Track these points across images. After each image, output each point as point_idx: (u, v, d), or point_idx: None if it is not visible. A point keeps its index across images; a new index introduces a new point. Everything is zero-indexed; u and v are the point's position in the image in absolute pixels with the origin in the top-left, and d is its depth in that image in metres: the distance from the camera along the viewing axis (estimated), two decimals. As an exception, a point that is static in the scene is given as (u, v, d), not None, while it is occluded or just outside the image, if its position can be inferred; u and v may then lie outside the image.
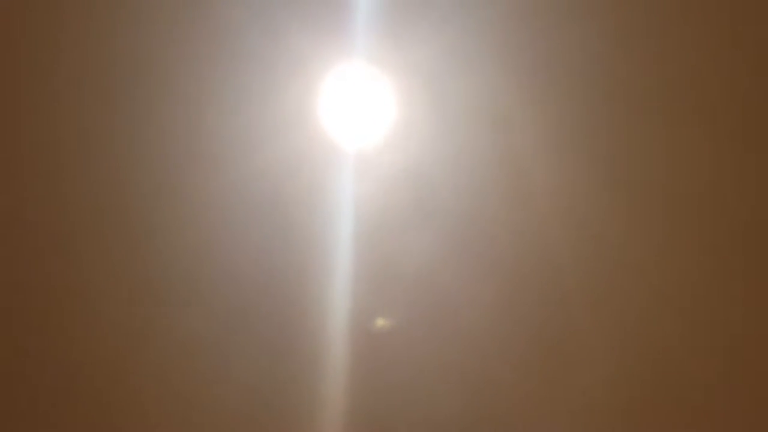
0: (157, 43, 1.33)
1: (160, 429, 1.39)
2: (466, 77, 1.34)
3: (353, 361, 1.37)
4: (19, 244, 1.38)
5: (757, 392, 1.34)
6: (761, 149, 1.34)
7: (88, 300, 1.38)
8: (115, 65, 1.34)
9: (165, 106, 1.35)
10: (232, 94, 1.33)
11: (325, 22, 1.32)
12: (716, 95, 1.33)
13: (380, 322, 1.36)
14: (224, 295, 1.36)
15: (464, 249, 1.36)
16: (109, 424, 1.38)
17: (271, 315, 1.36)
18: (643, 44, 1.34)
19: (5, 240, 1.38)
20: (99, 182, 1.36)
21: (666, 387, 1.35)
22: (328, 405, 1.36)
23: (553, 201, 1.36)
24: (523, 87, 1.34)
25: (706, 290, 1.35)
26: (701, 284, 1.35)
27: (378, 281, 1.36)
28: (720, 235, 1.34)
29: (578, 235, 1.36)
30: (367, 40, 1.32)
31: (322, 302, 1.36)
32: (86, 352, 1.38)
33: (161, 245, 1.36)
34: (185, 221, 1.35)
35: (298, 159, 1.34)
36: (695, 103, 1.34)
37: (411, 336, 1.36)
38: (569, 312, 1.35)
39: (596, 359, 1.35)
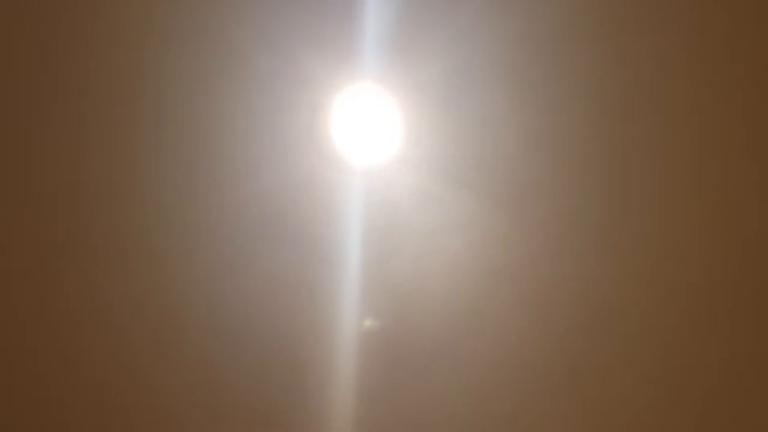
0: (167, 65, 1.34)
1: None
2: (475, 97, 1.34)
3: (361, 375, 1.38)
4: (23, 264, 1.40)
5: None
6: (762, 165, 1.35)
7: (97, 313, 1.40)
8: (124, 87, 1.35)
9: (175, 126, 1.35)
10: (242, 114, 1.34)
11: (334, 43, 1.32)
12: (719, 117, 1.34)
13: (368, 322, 1.37)
14: (234, 311, 1.38)
15: (473, 265, 1.37)
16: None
17: (280, 331, 1.38)
18: (647, 64, 1.34)
19: (10, 252, 1.41)
20: (110, 202, 1.38)
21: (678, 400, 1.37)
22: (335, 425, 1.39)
23: (560, 216, 1.37)
24: (532, 106, 1.34)
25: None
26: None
27: (387, 298, 1.38)
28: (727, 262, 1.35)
29: (587, 248, 1.37)
30: (376, 61, 1.32)
31: (332, 318, 1.37)
32: (91, 369, 1.40)
33: (171, 262, 1.38)
34: (196, 239, 1.37)
35: (308, 178, 1.35)
36: (696, 121, 1.34)
37: (420, 354, 1.38)
38: (583, 326, 1.36)
39: (611, 376, 1.37)
